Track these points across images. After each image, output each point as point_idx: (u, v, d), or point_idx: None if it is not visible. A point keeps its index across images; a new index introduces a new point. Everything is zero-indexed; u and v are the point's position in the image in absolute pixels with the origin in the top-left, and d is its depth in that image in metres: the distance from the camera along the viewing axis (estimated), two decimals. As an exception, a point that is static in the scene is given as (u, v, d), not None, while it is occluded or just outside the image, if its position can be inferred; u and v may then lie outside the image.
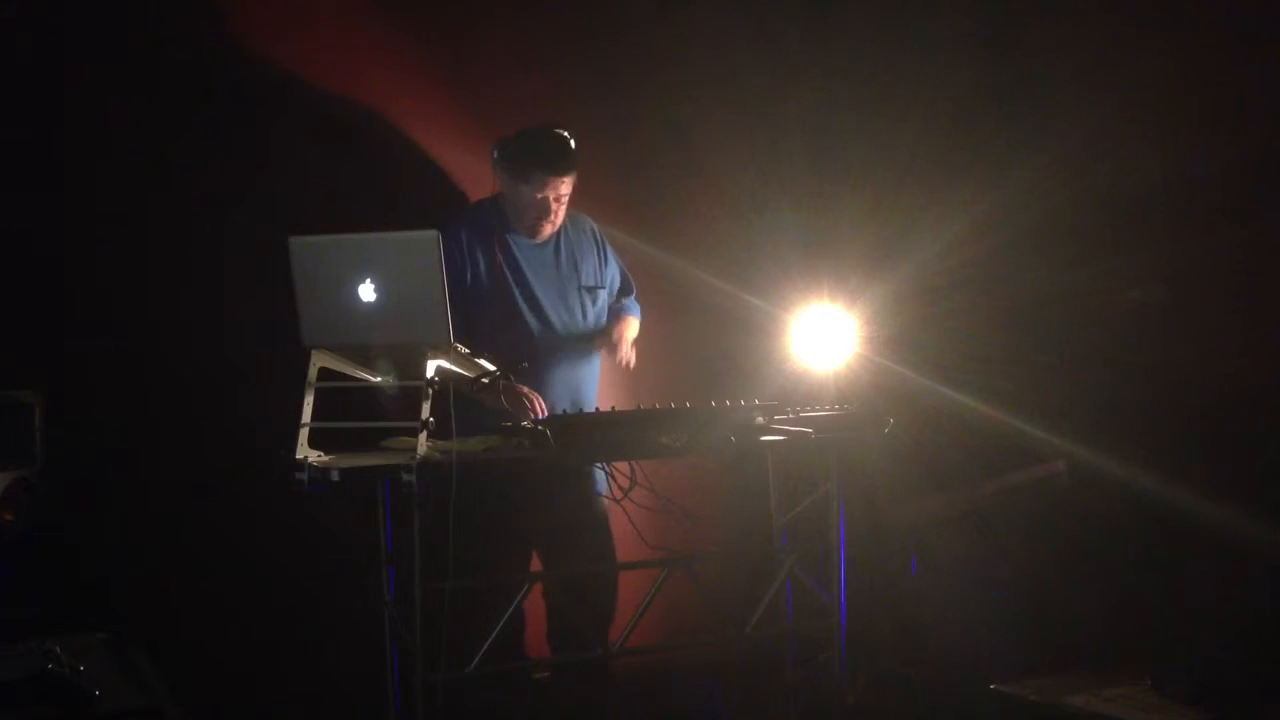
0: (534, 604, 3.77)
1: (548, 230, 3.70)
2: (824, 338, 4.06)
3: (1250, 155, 4.07)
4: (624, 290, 3.94)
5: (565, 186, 3.64)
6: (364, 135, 4.06)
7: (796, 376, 4.13)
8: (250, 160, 3.88)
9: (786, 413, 3.44)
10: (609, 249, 3.89)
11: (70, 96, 3.72)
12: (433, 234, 2.92)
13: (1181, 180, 4.09)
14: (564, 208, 3.69)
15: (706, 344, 4.51)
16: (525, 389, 3.49)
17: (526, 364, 3.51)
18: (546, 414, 3.45)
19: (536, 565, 3.85)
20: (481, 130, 4.11)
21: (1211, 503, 3.72)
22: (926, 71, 4.49)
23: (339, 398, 3.11)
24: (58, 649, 2.61)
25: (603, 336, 3.79)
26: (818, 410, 3.49)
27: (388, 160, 4.10)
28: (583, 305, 3.77)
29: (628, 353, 3.78)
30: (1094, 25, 4.39)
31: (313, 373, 3.04)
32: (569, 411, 3.52)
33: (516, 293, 3.68)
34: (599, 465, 3.57)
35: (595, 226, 3.88)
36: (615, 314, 3.90)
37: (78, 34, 3.75)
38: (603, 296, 3.84)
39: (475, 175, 4.12)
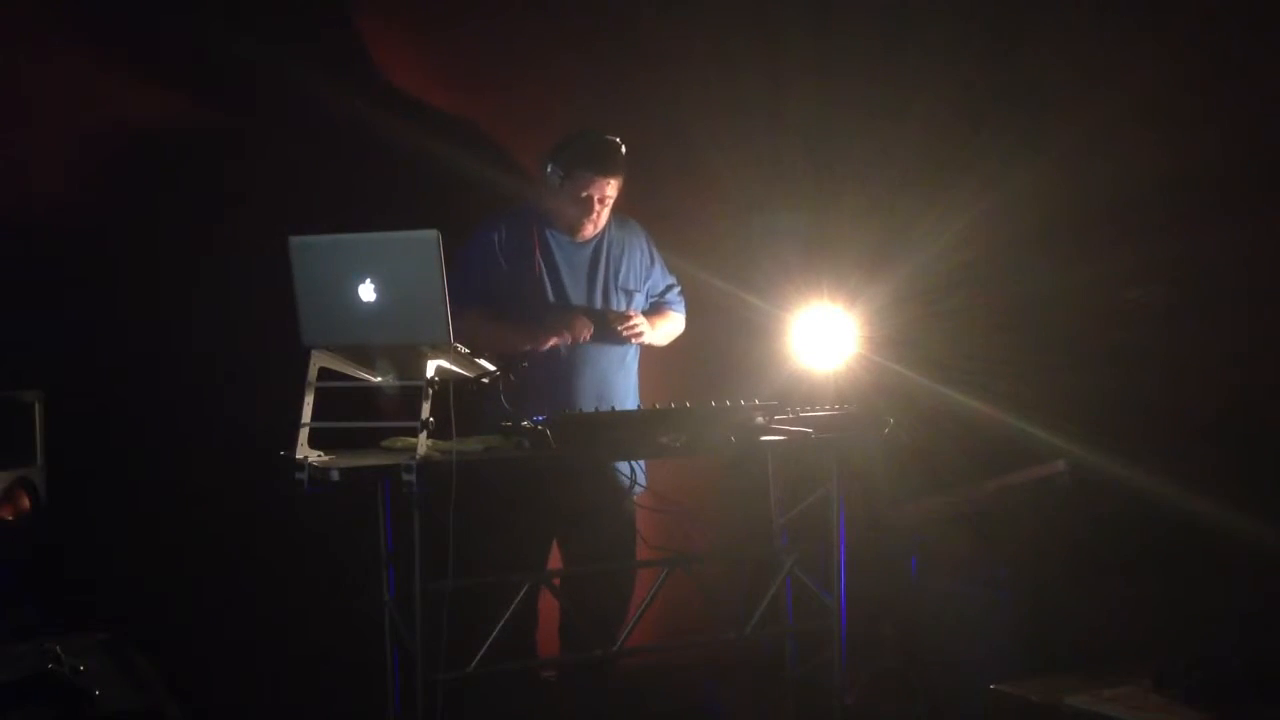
0: (547, 601, 3.77)
1: (589, 230, 3.74)
2: (824, 338, 4.06)
3: (1250, 155, 4.07)
4: (665, 292, 3.98)
5: (610, 189, 3.70)
6: (365, 135, 4.06)
7: (796, 376, 4.13)
8: (251, 160, 3.88)
9: (786, 413, 3.44)
10: (657, 256, 3.95)
11: (71, 95, 3.72)
12: (433, 234, 2.92)
13: (1181, 180, 4.09)
14: (607, 209, 3.74)
15: (706, 344, 4.51)
16: (576, 314, 3.63)
17: (527, 363, 3.53)
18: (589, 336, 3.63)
19: (555, 560, 3.85)
20: (482, 129, 4.12)
21: (1212, 503, 3.72)
22: (926, 71, 4.49)
23: (339, 398, 3.11)
24: (58, 649, 2.61)
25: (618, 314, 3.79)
26: (818, 410, 3.49)
27: (389, 160, 4.10)
28: (617, 304, 3.78)
29: (636, 325, 3.74)
30: (1094, 25, 4.39)
31: (313, 373, 3.04)
32: (569, 411, 3.53)
33: (550, 291, 3.70)
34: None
35: (646, 234, 3.93)
36: (655, 308, 3.94)
37: (78, 32, 3.75)
38: (639, 299, 3.87)
39: (476, 175, 4.12)
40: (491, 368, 3.23)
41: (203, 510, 3.77)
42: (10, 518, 3.34)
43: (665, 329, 3.91)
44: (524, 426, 3.24)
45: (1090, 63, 4.34)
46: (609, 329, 3.74)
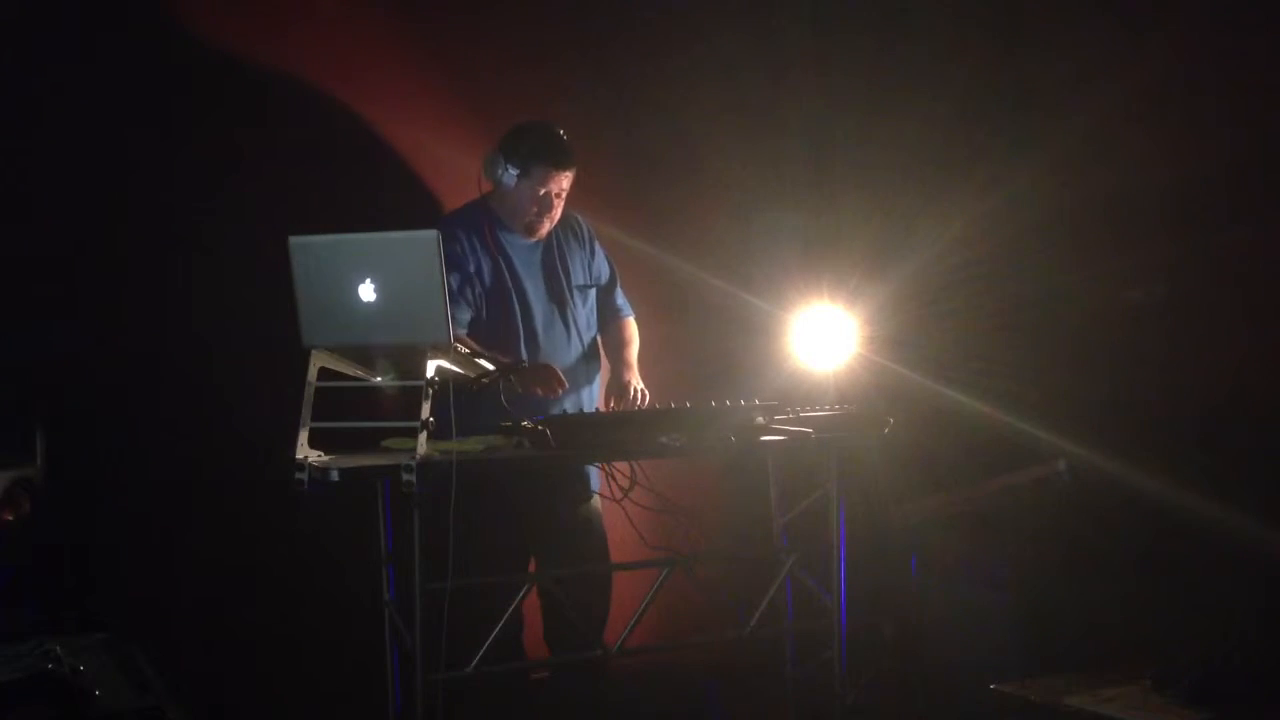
0: (531, 605, 3.77)
1: (546, 227, 3.68)
2: (824, 338, 4.06)
3: (1250, 155, 4.07)
4: (611, 283, 3.91)
5: (566, 181, 3.64)
6: (366, 135, 4.06)
7: (796, 376, 4.13)
8: (250, 160, 3.88)
9: (786, 413, 3.44)
10: (595, 242, 3.87)
11: (71, 97, 3.72)
12: (433, 234, 2.92)
13: (1181, 180, 4.09)
14: (562, 204, 3.68)
15: (706, 344, 4.51)
16: (546, 364, 3.52)
17: (526, 362, 3.52)
18: (566, 387, 3.51)
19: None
20: (482, 129, 4.11)
21: (1212, 503, 3.72)
22: (926, 71, 4.49)
23: (339, 398, 3.11)
24: (58, 649, 2.61)
25: (611, 386, 3.76)
26: (818, 410, 3.48)
27: (390, 159, 4.10)
28: (574, 304, 3.76)
29: (637, 390, 3.72)
30: (1094, 25, 4.39)
31: (313, 373, 3.03)
32: (569, 411, 3.53)
33: (512, 294, 3.67)
34: (594, 465, 3.57)
35: (581, 220, 3.85)
36: (614, 335, 3.85)
37: (78, 33, 3.75)
38: (593, 295, 3.84)
39: (476, 174, 4.12)
40: (492, 368, 3.23)
41: (202, 510, 3.77)
42: (10, 518, 3.34)
43: (637, 351, 3.87)
44: (524, 426, 3.24)
45: (1090, 63, 4.34)
46: (584, 369, 3.74)
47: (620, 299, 3.91)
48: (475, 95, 4.25)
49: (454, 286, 3.52)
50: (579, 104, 4.35)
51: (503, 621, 3.28)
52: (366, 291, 2.94)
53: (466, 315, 3.58)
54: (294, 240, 2.98)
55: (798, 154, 4.66)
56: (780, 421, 3.42)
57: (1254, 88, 4.11)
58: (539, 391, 3.49)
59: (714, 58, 4.58)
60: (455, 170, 4.20)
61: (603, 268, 3.88)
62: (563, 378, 3.52)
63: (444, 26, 4.27)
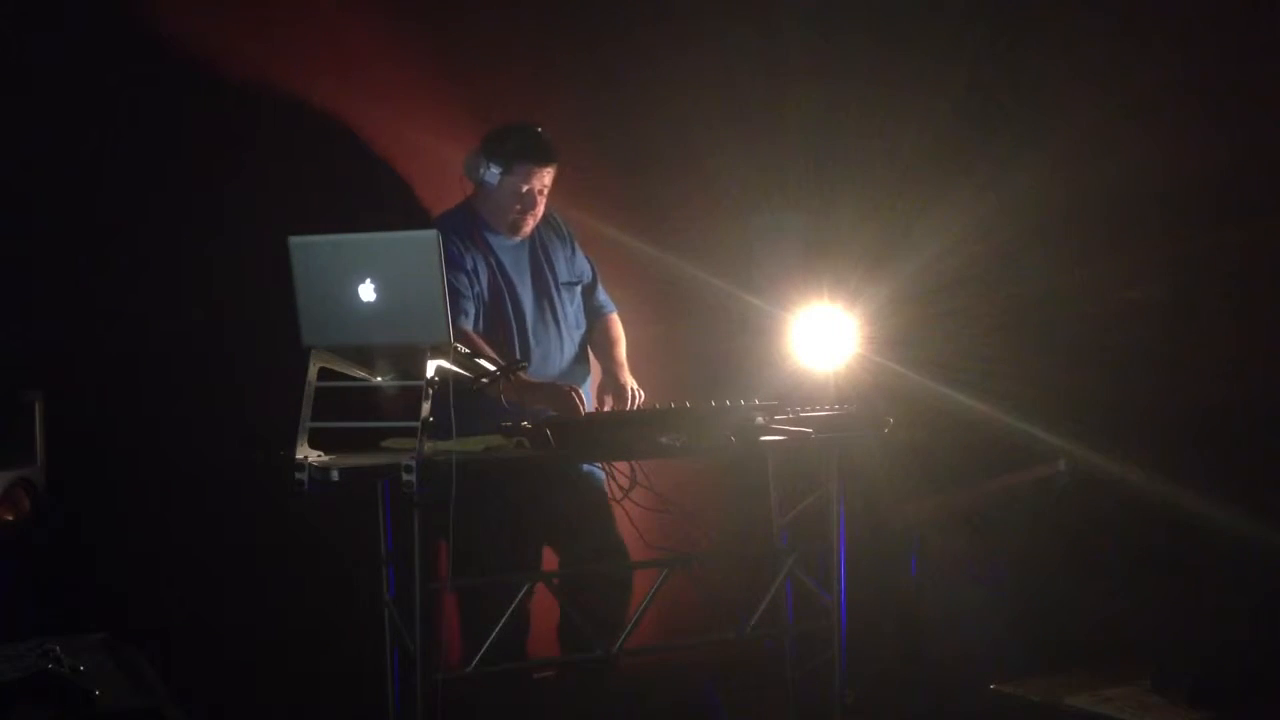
0: (539, 604, 3.77)
1: (529, 225, 3.70)
2: (824, 338, 4.06)
3: (1250, 155, 4.07)
4: (593, 280, 3.91)
5: (549, 178, 3.66)
6: (366, 135, 4.06)
7: (796, 376, 4.13)
8: (250, 160, 3.88)
9: (786, 413, 3.44)
10: (575, 242, 3.88)
11: (69, 96, 3.72)
12: (432, 234, 2.92)
13: (1181, 180, 4.09)
14: (544, 201, 3.69)
15: (706, 344, 4.51)
16: (569, 386, 3.51)
17: (526, 363, 3.53)
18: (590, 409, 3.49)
19: (547, 564, 3.84)
20: (481, 129, 4.11)
21: (1211, 502, 3.73)
22: (926, 71, 4.50)
23: (339, 398, 3.11)
24: (58, 649, 2.61)
25: (607, 386, 3.76)
26: (818, 410, 3.49)
27: (389, 159, 4.10)
28: (562, 302, 3.77)
29: (632, 390, 3.73)
30: (1094, 26, 4.39)
31: (313, 373, 3.04)
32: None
33: (505, 294, 3.68)
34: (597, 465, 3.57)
35: (559, 218, 3.86)
36: (601, 333, 3.86)
37: (76, 32, 3.75)
38: (578, 292, 3.85)
39: (459, 176, 4.12)
40: (492, 368, 3.23)
41: (202, 510, 3.76)
42: (10, 518, 3.33)
43: (625, 349, 3.88)
44: (524, 426, 3.24)
45: (1090, 63, 4.34)
46: (576, 368, 3.75)
47: (603, 295, 3.92)
48: (474, 95, 4.24)
49: (460, 286, 3.54)
50: (579, 104, 4.35)
51: (502, 621, 3.28)
52: (366, 291, 2.94)
53: (474, 312, 3.59)
54: (294, 240, 2.98)
55: (798, 154, 4.66)
56: (780, 421, 3.42)
57: (1253, 88, 4.12)
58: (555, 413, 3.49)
59: (714, 58, 4.58)
60: (455, 170, 4.20)
61: (584, 265, 3.89)
62: (582, 397, 3.51)
63: (443, 26, 4.27)
